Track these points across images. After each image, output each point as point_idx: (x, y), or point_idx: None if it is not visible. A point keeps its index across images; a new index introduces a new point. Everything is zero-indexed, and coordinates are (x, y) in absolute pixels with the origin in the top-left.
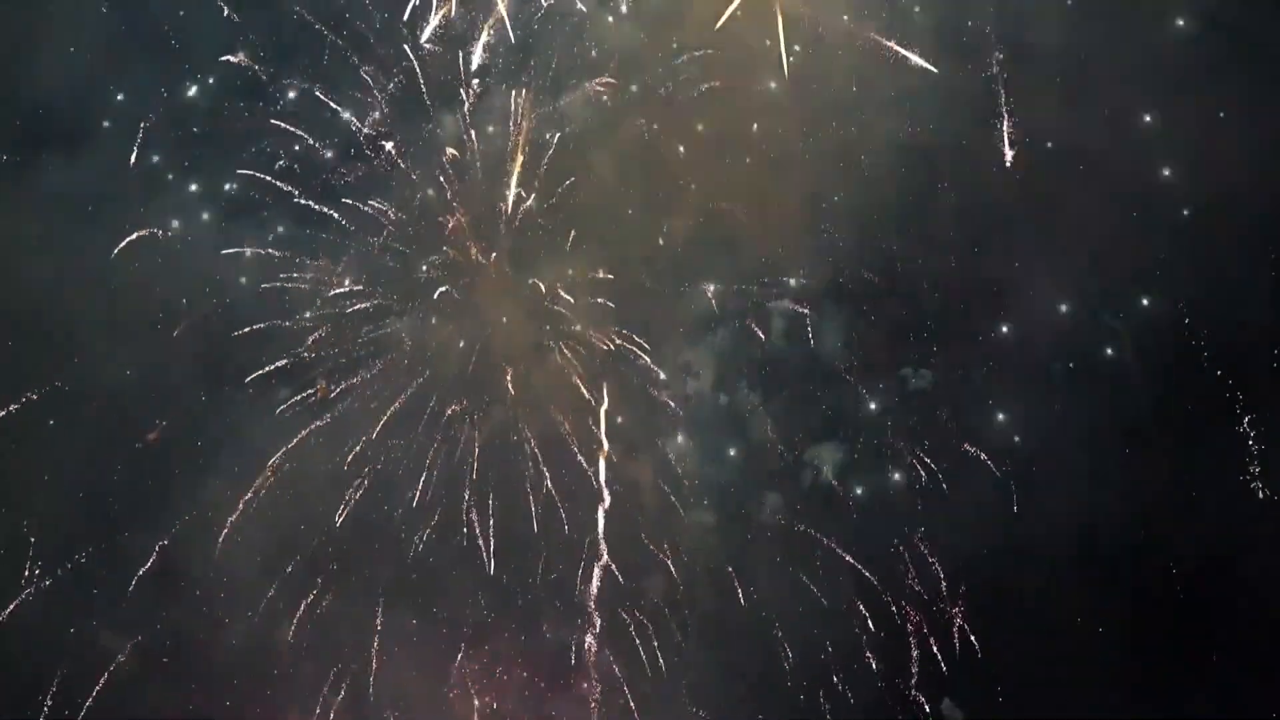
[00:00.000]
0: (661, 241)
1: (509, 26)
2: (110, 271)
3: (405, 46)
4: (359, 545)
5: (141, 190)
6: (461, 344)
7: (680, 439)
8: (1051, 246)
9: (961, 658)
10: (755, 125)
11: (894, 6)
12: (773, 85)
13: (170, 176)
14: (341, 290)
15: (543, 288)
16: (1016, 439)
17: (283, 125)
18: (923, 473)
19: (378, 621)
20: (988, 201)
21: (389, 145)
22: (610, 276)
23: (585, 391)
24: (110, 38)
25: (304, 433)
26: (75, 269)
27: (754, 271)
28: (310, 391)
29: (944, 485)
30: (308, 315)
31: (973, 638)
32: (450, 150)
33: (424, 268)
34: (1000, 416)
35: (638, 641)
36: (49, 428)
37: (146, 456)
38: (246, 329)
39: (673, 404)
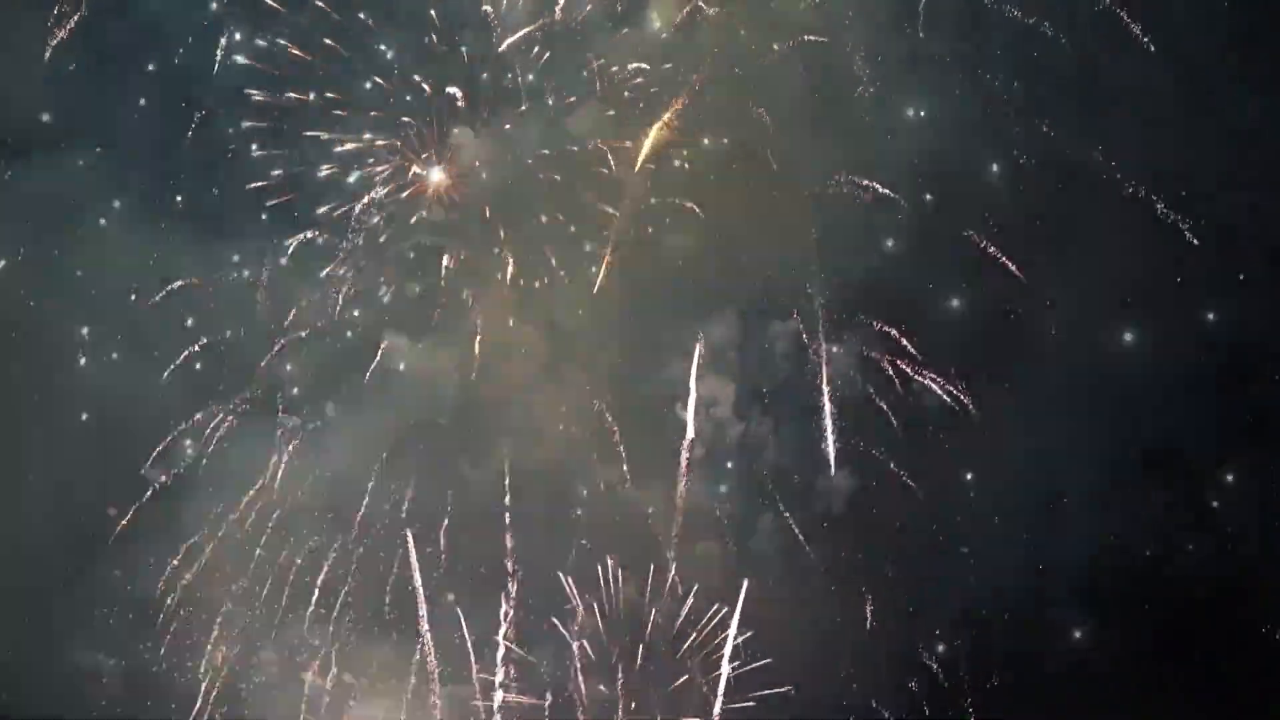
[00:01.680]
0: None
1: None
2: (92, 287)
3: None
4: (342, 573)
5: (128, 205)
6: (459, 369)
7: (691, 466)
8: (1066, 265)
9: (972, 685)
10: (762, 144)
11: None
12: (780, 102)
13: (159, 191)
14: (333, 311)
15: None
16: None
17: (273, 138)
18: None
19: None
20: (999, 222)
21: (382, 169)
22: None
23: (590, 419)
24: (99, 46)
25: (288, 457)
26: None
27: (763, 295)
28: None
29: (957, 517)
30: (294, 339)
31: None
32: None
33: (419, 288)
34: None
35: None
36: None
37: (129, 479)
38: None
39: (688, 431)
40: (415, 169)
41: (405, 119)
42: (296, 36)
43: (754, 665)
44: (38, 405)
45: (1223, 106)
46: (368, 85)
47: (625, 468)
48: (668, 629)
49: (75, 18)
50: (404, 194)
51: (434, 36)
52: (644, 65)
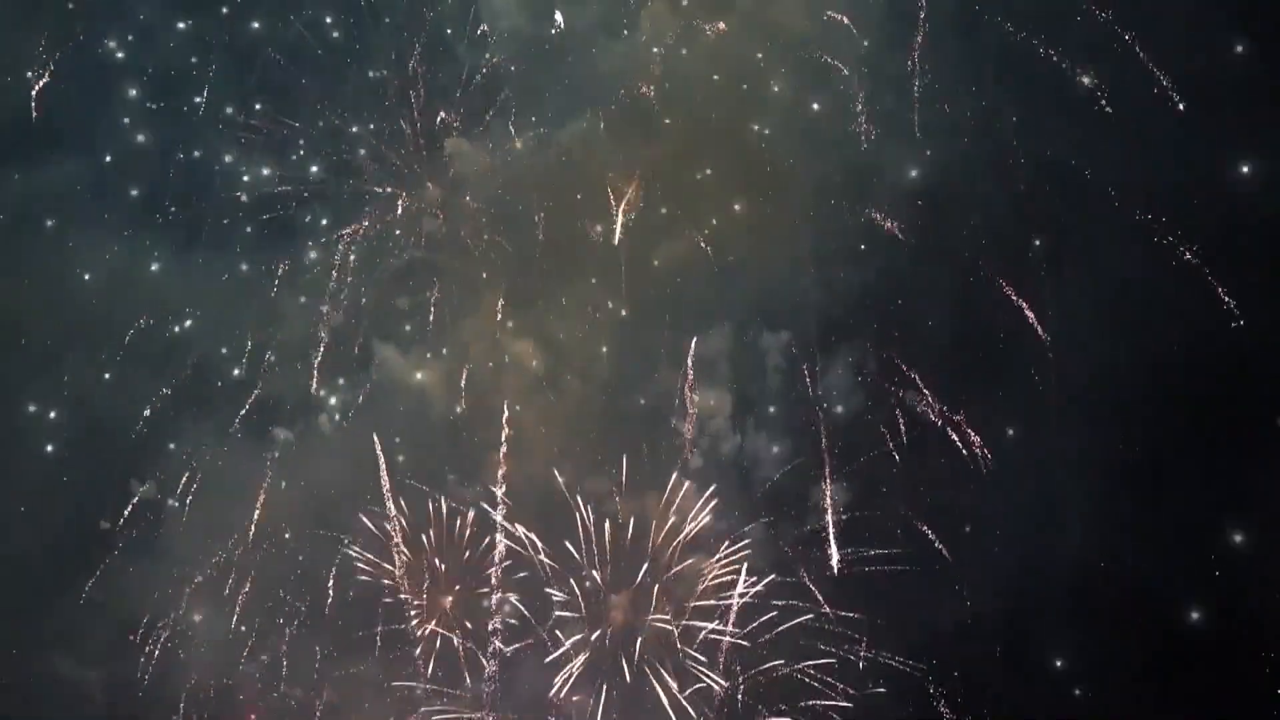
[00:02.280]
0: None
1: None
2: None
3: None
4: (325, 592)
5: (116, 218)
6: (450, 382)
7: (685, 480)
8: (1061, 281)
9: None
10: (756, 159)
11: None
12: (773, 122)
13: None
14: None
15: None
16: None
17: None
18: (928, 532)
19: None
20: (993, 238)
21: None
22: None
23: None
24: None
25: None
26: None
27: (756, 309)
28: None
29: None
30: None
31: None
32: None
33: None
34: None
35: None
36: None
37: (117, 495)
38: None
39: (687, 447)
40: (403, 198)
41: (400, 124)
42: (287, 51)
43: (744, 682)
44: (24, 419)
45: (1221, 124)
46: (360, 99)
47: (615, 482)
48: (659, 642)
49: (72, 42)
50: (397, 208)
51: (424, 51)
52: (641, 83)
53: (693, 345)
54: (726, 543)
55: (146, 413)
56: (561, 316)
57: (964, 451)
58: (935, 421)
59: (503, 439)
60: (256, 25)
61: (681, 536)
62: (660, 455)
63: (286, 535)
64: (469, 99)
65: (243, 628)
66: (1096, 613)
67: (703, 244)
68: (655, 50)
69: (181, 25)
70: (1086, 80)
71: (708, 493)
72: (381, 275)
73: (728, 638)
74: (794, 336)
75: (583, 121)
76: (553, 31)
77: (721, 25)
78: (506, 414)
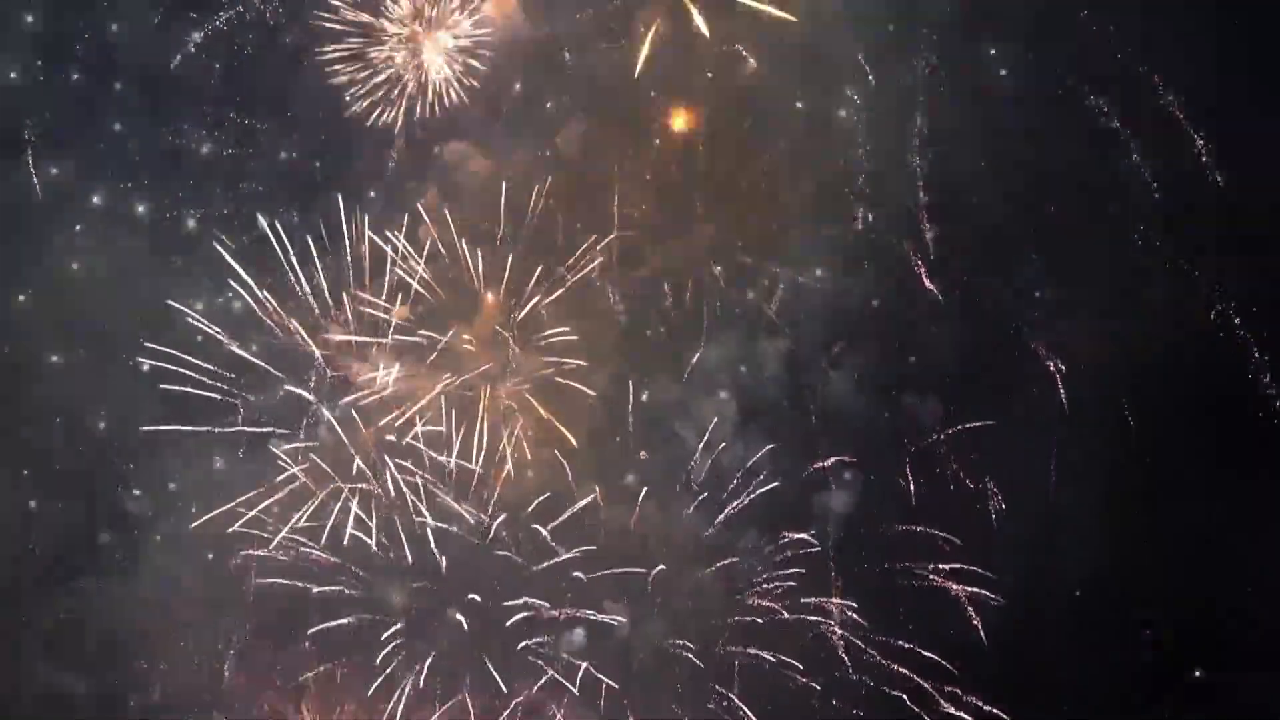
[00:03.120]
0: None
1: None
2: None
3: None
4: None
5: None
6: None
7: (688, 489)
8: (1067, 279)
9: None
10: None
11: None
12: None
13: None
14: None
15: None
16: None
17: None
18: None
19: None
20: (997, 235)
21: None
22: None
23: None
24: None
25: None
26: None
27: (759, 317)
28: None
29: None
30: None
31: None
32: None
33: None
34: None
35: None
36: None
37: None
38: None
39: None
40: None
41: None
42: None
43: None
44: (7, 425)
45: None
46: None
47: (615, 491)
48: (655, 656)
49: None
50: (391, 216)
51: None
52: (634, 81)
53: (695, 356)
54: (731, 555)
55: (142, 426)
56: (562, 324)
57: (964, 473)
58: (938, 434)
59: (502, 448)
60: (247, 29)
61: (683, 546)
62: (662, 464)
63: (278, 545)
64: (465, 107)
65: (234, 638)
66: (1103, 633)
67: (704, 253)
68: (656, 59)
69: (175, 30)
70: (1093, 95)
71: (711, 504)
72: (378, 286)
73: (736, 654)
74: (797, 346)
75: (581, 129)
76: (560, 51)
77: (739, 48)
78: (505, 422)
